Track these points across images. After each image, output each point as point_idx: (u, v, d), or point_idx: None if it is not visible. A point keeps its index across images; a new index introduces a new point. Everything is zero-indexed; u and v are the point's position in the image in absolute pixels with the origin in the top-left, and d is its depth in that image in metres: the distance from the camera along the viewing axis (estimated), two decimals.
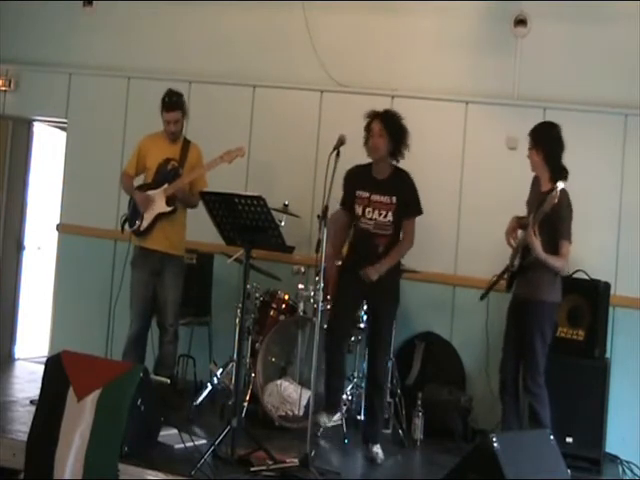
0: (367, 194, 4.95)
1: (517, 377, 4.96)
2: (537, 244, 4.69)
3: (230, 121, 6.66)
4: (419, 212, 5.05)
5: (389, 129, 4.95)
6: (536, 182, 5.00)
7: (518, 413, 4.96)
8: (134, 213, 5.61)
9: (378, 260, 4.92)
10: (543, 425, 4.65)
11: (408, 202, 4.98)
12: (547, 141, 4.87)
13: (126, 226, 5.64)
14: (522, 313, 4.92)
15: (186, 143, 5.71)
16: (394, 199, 4.93)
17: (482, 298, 5.19)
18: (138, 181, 5.76)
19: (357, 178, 4.95)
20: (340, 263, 5.21)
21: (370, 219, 4.95)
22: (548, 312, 4.86)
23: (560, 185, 4.62)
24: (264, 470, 4.38)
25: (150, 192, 5.58)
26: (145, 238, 5.58)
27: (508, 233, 5.04)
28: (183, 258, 5.78)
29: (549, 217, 4.67)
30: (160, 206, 5.54)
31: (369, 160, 5.06)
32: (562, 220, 4.75)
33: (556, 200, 4.56)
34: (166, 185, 5.54)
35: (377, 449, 4.99)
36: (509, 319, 5.05)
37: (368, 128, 5.00)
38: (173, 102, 5.60)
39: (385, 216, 4.94)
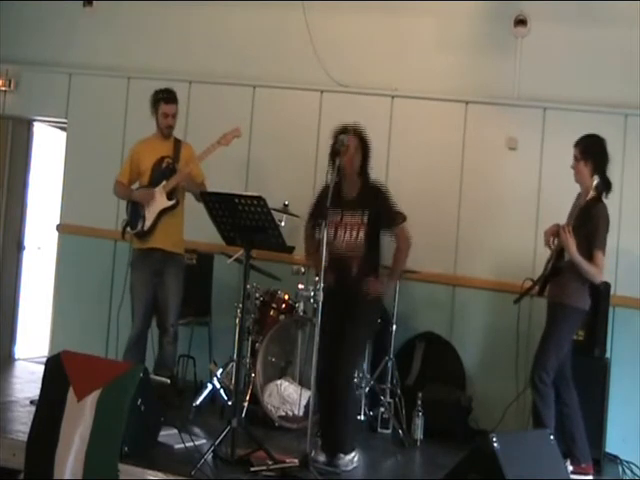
0: (338, 217, 4.72)
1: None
2: (571, 243, 4.71)
3: (230, 121, 6.62)
4: (403, 218, 4.84)
5: (364, 146, 4.79)
6: (579, 197, 5.01)
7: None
8: (135, 216, 5.60)
9: (354, 283, 4.71)
10: (546, 426, 4.63)
11: (387, 214, 4.78)
12: (596, 153, 4.89)
13: (128, 229, 5.63)
14: (548, 315, 4.96)
15: (177, 141, 5.74)
16: (365, 218, 4.74)
17: (516, 302, 5.12)
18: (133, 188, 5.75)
19: (327, 201, 4.51)
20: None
21: (342, 241, 4.75)
22: (570, 316, 4.88)
23: (596, 179, 4.76)
24: (264, 470, 4.37)
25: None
26: (147, 239, 5.58)
27: (547, 234, 4.99)
28: (183, 257, 5.78)
29: (585, 224, 4.74)
30: (162, 202, 5.55)
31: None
32: (598, 230, 4.78)
33: (592, 194, 4.74)
34: (164, 182, 5.55)
35: (346, 458, 4.65)
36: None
37: (341, 144, 4.65)
38: (172, 95, 5.64)
39: (356, 237, 4.73)
